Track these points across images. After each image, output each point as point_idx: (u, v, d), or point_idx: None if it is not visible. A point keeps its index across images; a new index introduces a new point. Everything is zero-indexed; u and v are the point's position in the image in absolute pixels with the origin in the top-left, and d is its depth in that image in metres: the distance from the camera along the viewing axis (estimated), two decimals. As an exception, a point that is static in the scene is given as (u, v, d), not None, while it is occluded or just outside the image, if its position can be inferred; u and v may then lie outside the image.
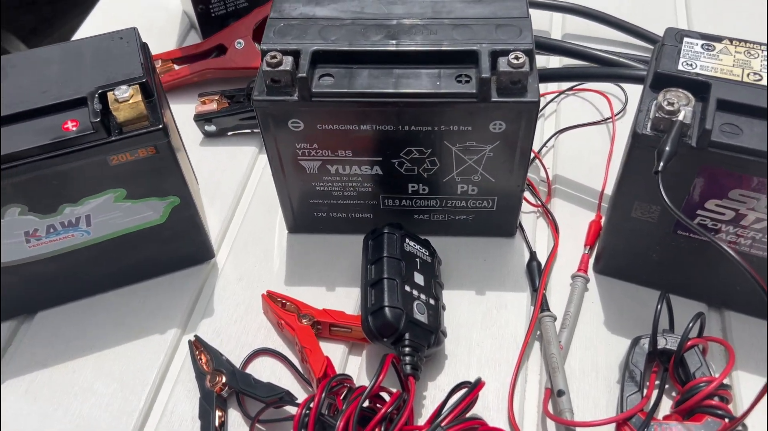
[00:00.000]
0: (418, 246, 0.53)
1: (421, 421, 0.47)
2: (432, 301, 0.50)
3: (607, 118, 0.67)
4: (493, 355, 0.51)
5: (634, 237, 0.51)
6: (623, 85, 0.69)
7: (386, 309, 0.47)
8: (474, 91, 0.46)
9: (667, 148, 0.41)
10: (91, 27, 0.82)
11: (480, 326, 0.53)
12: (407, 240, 0.52)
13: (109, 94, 0.45)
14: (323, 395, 0.44)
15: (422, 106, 0.47)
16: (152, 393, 0.51)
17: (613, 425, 0.46)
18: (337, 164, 0.52)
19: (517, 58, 0.45)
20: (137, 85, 0.46)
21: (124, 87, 0.45)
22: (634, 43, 0.74)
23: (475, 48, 0.46)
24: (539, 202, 0.61)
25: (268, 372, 0.51)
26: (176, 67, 0.70)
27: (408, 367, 0.47)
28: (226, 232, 0.61)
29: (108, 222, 0.51)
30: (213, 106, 0.66)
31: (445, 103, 0.47)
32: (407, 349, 0.47)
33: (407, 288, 0.49)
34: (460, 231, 0.57)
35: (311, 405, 0.44)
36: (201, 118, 0.66)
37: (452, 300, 0.54)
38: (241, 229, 0.61)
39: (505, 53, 0.46)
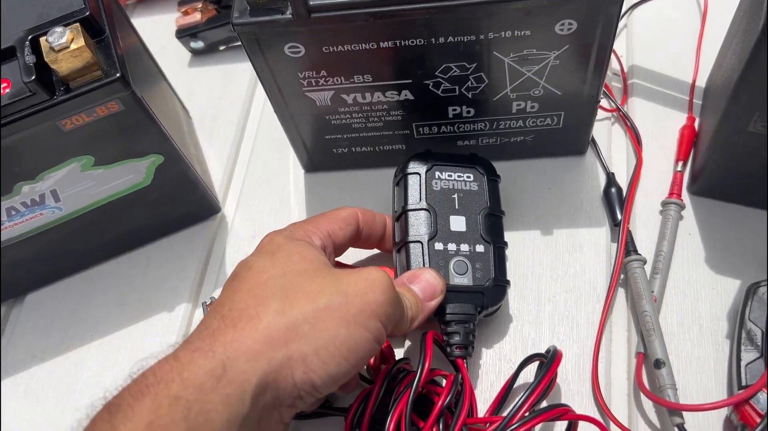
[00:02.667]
0: (455, 176, 0.41)
1: (485, 402, 0.39)
2: (479, 247, 0.40)
3: (696, -18, 0.52)
4: (568, 312, 0.42)
5: (748, 154, 0.39)
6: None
7: None
8: (532, -18, 0.33)
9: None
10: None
11: (550, 275, 0.43)
12: (437, 173, 0.41)
13: (42, 41, 0.34)
14: (380, 392, 0.36)
15: (462, 10, 0.34)
16: (168, 384, 0.43)
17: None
18: (354, 93, 0.40)
19: (592, -71, 0.31)
20: (77, 24, 0.34)
21: (59, 29, 0.34)
22: None
23: None
24: (613, 105, 0.48)
25: (298, 350, 0.43)
26: (149, -32, 0.57)
27: (454, 349, 0.38)
28: (232, 177, 0.51)
29: (81, 194, 0.41)
30: (197, 17, 0.53)
31: (494, 3, 0.34)
32: (449, 327, 0.38)
33: (438, 245, 0.39)
34: (516, 154, 0.46)
35: (368, 403, 0.36)
36: (184, 34, 0.53)
37: (512, 244, 0.44)
38: (249, 172, 0.50)
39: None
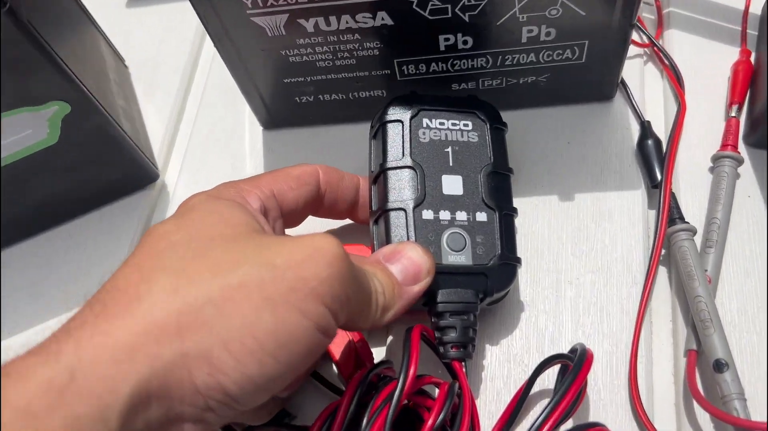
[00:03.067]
0: (449, 123, 0.32)
1: (490, 417, 0.30)
2: (482, 216, 0.30)
3: None
4: (597, 299, 0.33)
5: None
6: None
7: None
8: None
9: None
10: None
11: (571, 252, 0.34)
12: (426, 121, 0.31)
13: None
14: (350, 407, 0.27)
15: None
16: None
17: (819, 418, 0.27)
18: (314, 16, 0.31)
19: None
20: None
21: None
22: None
23: None
24: (647, 38, 0.39)
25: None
26: None
27: (449, 348, 0.29)
28: (176, 137, 0.42)
29: (-37, 153, 0.32)
30: (131, -56, 0.43)
31: None
32: (442, 321, 0.29)
33: (427, 214, 0.30)
34: (527, 101, 0.37)
35: (334, 422, 0.27)
36: (117, -35, 0.44)
37: (523, 212, 0.34)
38: (196, 130, 0.41)
39: None
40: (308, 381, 0.32)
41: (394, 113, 0.31)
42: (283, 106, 0.37)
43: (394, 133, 0.31)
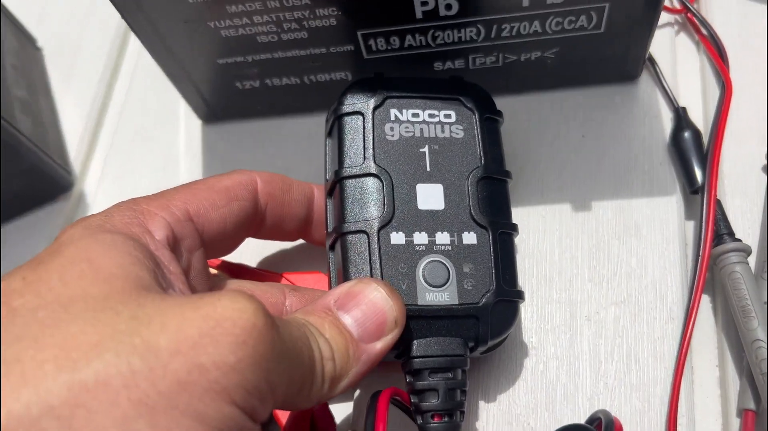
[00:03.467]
0: (425, 114, 0.24)
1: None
2: (470, 237, 0.23)
3: None
4: (623, 340, 0.25)
5: None
6: None
7: None
8: None
9: None
10: None
11: (588, 278, 0.27)
12: (395, 112, 0.24)
13: None
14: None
15: None
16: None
17: None
18: (247, -27, 0.23)
19: None
20: None
21: None
22: None
23: None
24: (680, 2, 0.31)
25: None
26: None
27: (429, 420, 0.21)
28: (98, 134, 0.34)
29: None
30: None
31: None
32: (421, 381, 0.22)
33: (397, 237, 0.22)
34: (530, 84, 0.29)
35: None
36: (27, -77, 0.36)
37: (528, 228, 0.27)
38: (122, 126, 0.34)
39: None
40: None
41: (353, 103, 0.24)
42: (222, 95, 0.30)
43: (352, 128, 0.23)
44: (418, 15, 0.25)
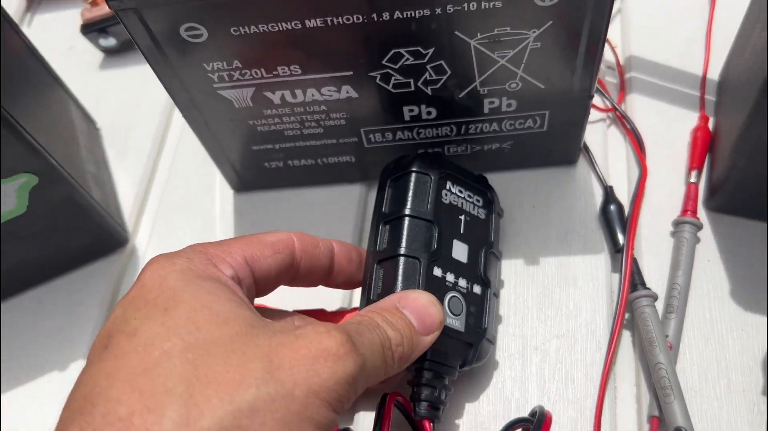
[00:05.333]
0: (465, 194, 0.33)
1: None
2: (477, 288, 0.31)
3: (701, -43, 0.44)
4: (561, 364, 0.33)
5: (786, 159, 0.30)
6: None
7: None
8: (502, -68, 0.24)
9: None
10: None
11: (536, 317, 0.34)
12: (448, 184, 0.32)
13: None
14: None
15: (409, -27, 0.25)
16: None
17: (779, 489, 0.28)
18: (280, 89, 0.31)
19: None
20: None
21: None
22: None
23: None
24: (609, 104, 0.40)
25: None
26: (56, -46, 0.48)
27: (423, 405, 0.29)
28: (146, 201, 0.42)
29: (-70, 224, 0.32)
30: (105, 9, 0.44)
31: (451, -37, 0.25)
32: (424, 377, 0.29)
33: (437, 271, 0.30)
34: (491, 166, 0.37)
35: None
36: (91, 29, 0.44)
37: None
38: (167, 193, 0.41)
39: None
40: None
41: (423, 166, 0.32)
42: (252, 171, 0.38)
43: (420, 183, 0.31)
44: (406, 118, 0.34)
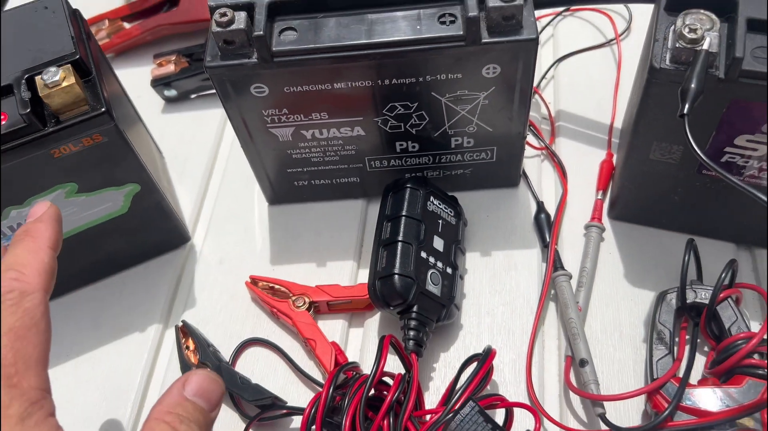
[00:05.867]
0: (443, 206, 0.47)
1: (434, 402, 0.43)
2: (449, 270, 0.45)
3: (611, 40, 0.60)
4: (505, 323, 0.47)
5: (653, 179, 0.45)
6: None
7: (396, 277, 0.42)
8: (461, 32, 0.39)
9: (693, 86, 0.35)
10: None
11: (488, 291, 0.48)
12: (432, 198, 0.47)
13: (38, 79, 0.39)
14: (329, 393, 0.40)
15: (403, 56, 0.40)
16: (138, 398, 0.47)
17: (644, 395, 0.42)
18: (312, 129, 0.46)
19: (508, -11, 0.38)
20: (69, 65, 0.39)
21: (52, 69, 0.39)
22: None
23: (457, -19, 0.39)
24: (542, 144, 0.55)
25: (261, 364, 0.47)
26: (127, 25, 0.63)
27: (411, 343, 0.42)
28: (201, 210, 0.55)
29: (64, 220, 0.45)
30: (171, 68, 0.59)
31: (429, 50, 0.40)
32: (413, 323, 0.43)
33: (423, 254, 0.44)
34: (456, 187, 0.52)
35: (319, 404, 0.40)
36: (159, 83, 0.59)
37: (455, 265, 0.49)
38: (217, 206, 0.55)
39: (494, -16, 0.39)
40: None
41: (416, 184, 0.47)
42: (284, 188, 0.52)
43: (414, 195, 0.46)
44: (397, 150, 0.48)
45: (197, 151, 0.58)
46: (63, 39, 0.41)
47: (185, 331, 0.47)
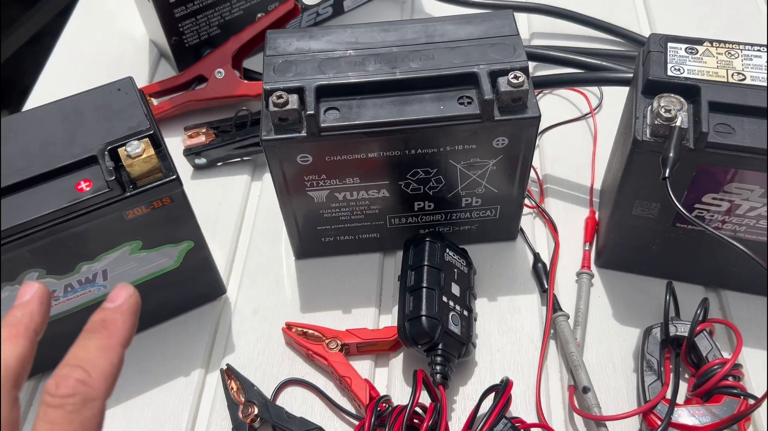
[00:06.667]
0: (456, 257, 0.55)
1: (457, 430, 0.49)
2: (465, 312, 0.52)
3: (586, 114, 0.70)
4: (514, 359, 0.54)
5: (634, 232, 0.53)
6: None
7: (423, 318, 0.49)
8: (477, 112, 0.47)
9: (671, 155, 0.44)
10: (56, 64, 0.80)
11: (497, 332, 0.55)
12: (447, 250, 0.54)
13: (121, 151, 0.45)
14: (372, 420, 0.46)
15: (428, 130, 0.48)
16: (187, 437, 0.51)
17: (639, 415, 0.49)
18: (344, 191, 0.53)
19: (516, 77, 0.47)
20: (147, 138, 0.46)
21: (135, 142, 0.45)
22: (602, 37, 0.76)
23: (474, 70, 0.48)
24: (534, 203, 0.63)
25: (299, 401, 0.52)
26: (155, 101, 0.70)
27: (438, 376, 0.49)
28: (232, 266, 0.61)
29: (124, 274, 0.50)
30: (201, 139, 0.65)
31: (450, 126, 0.48)
32: (439, 358, 0.49)
33: (444, 298, 0.51)
34: (463, 240, 0.59)
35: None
36: (191, 152, 0.65)
37: (467, 310, 0.56)
38: (247, 261, 0.61)
39: (504, 73, 0.47)
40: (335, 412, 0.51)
41: (434, 238, 0.54)
42: (312, 243, 0.58)
43: (433, 247, 0.53)
44: (415, 209, 0.56)
45: (226, 213, 0.64)
46: (137, 116, 0.47)
47: (230, 373, 0.52)
